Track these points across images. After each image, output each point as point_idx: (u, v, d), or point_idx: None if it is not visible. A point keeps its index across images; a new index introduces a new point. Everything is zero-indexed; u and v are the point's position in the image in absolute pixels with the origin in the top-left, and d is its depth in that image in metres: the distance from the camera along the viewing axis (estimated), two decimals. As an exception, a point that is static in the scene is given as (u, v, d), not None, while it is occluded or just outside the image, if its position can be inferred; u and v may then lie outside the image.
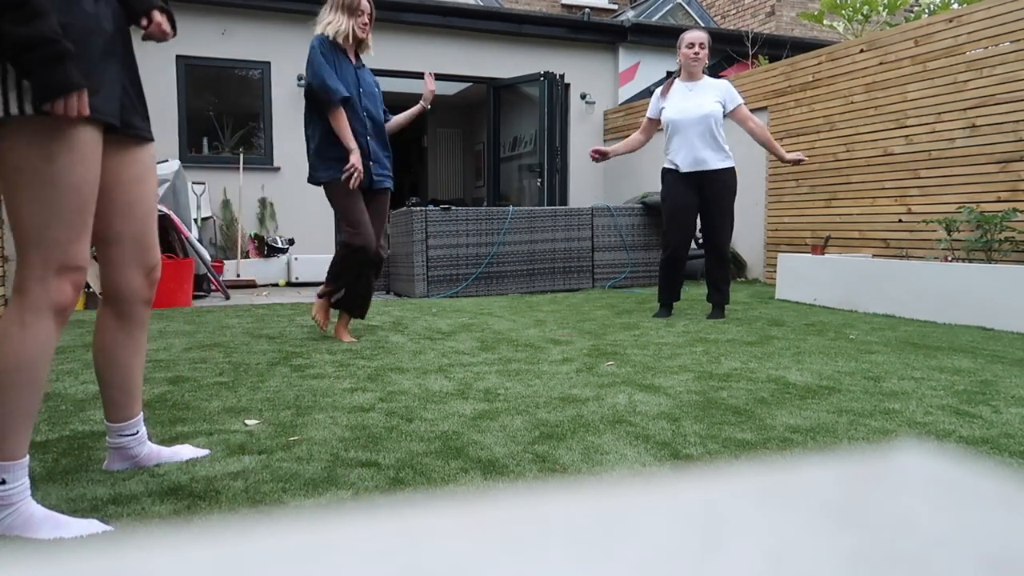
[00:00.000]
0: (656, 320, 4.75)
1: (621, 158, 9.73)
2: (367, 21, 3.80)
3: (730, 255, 4.76)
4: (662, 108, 4.75)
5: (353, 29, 3.75)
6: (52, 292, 1.56)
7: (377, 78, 4.03)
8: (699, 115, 4.56)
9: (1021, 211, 4.78)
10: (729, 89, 4.69)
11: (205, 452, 2.07)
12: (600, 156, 4.77)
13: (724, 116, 4.65)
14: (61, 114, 1.49)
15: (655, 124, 4.85)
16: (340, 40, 3.75)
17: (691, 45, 4.62)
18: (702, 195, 4.68)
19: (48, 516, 1.57)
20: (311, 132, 3.84)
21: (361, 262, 3.82)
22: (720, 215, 4.67)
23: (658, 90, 4.89)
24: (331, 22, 3.75)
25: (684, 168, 4.63)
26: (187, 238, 6.29)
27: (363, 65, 3.93)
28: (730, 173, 4.69)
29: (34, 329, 1.55)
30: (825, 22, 7.76)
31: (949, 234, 5.01)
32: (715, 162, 4.61)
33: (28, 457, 1.59)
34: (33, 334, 1.55)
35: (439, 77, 9.52)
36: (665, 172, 4.75)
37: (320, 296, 4.06)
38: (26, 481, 1.57)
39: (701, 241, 7.90)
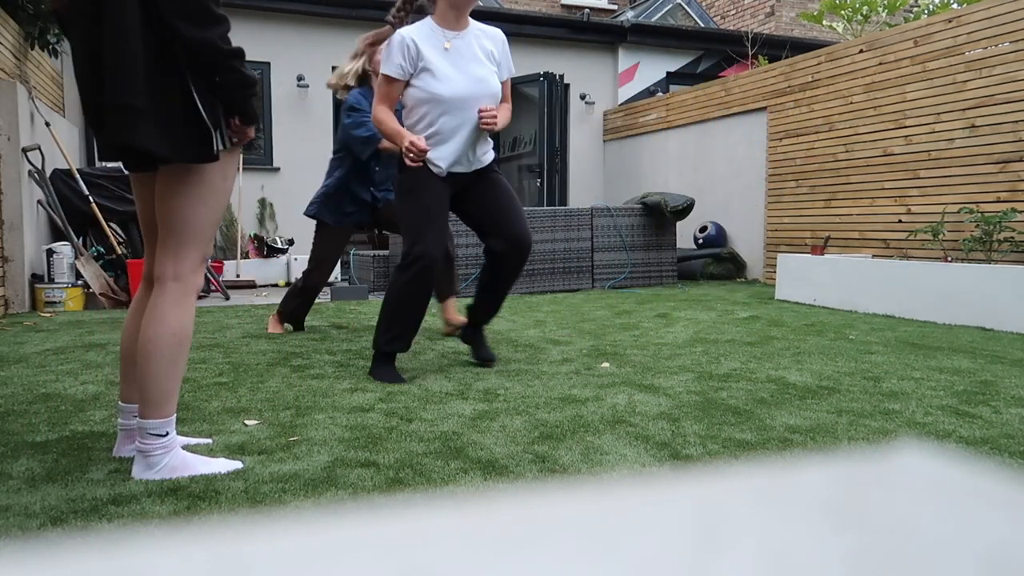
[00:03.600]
0: (656, 320, 4.75)
1: (620, 159, 9.75)
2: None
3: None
4: None
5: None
6: (199, 278, 1.98)
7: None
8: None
9: (1020, 211, 4.78)
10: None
11: (207, 440, 2.22)
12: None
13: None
14: (247, 140, 1.97)
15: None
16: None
17: None
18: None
19: (195, 457, 1.98)
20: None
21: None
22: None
23: None
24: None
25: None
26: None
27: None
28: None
29: (191, 307, 1.95)
30: (825, 22, 7.76)
31: (936, 237, 5.01)
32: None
33: None
34: (191, 310, 1.95)
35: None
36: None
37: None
38: (175, 430, 1.97)
39: (701, 241, 7.93)
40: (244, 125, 1.95)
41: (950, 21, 5.41)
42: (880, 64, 5.97)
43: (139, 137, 1.81)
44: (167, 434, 1.93)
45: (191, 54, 1.82)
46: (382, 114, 2.97)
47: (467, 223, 3.18)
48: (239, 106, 1.92)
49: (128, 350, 2.09)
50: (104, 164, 7.41)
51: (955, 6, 7.12)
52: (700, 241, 7.95)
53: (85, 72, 1.86)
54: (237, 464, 2.01)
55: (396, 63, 2.92)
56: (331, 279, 8.05)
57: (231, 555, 0.20)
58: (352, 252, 8.04)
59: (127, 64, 1.78)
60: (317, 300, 6.41)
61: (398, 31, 2.98)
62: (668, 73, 10.14)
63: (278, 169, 8.50)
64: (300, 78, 8.49)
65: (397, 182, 3.07)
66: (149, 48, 1.80)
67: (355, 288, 6.91)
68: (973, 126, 5.22)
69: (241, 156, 8.23)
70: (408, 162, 2.87)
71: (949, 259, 5.00)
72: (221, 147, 1.91)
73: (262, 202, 8.43)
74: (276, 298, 6.66)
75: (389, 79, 2.95)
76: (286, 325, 4.33)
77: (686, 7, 12.52)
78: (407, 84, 2.97)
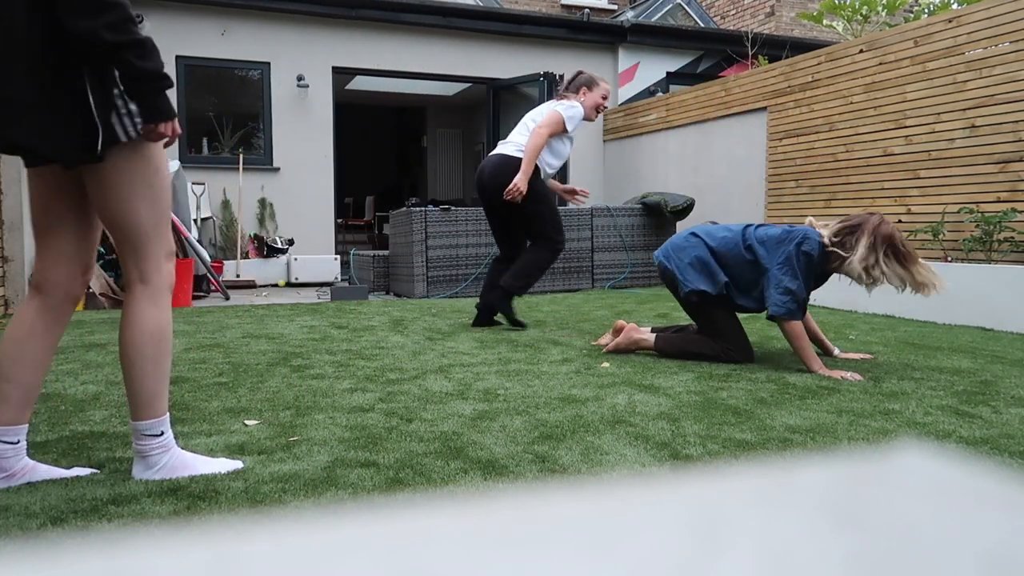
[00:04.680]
0: (656, 320, 4.74)
1: (620, 159, 9.75)
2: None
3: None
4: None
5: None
6: (166, 274, 1.92)
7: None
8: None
9: (1020, 211, 4.78)
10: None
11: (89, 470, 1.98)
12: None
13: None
14: (168, 135, 1.84)
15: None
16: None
17: (605, 97, 4.49)
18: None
19: (195, 456, 1.98)
20: None
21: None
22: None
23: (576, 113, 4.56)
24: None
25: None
26: (186, 238, 6.29)
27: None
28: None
29: (165, 306, 1.91)
30: (824, 22, 7.76)
31: (936, 237, 5.01)
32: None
33: None
34: (165, 310, 1.91)
35: (439, 77, 9.53)
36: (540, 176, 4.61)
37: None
38: (171, 430, 1.97)
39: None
40: (147, 122, 1.80)
41: (950, 21, 5.41)
42: (880, 64, 5.97)
43: (20, 132, 1.73)
44: (162, 433, 1.92)
45: (86, 45, 1.69)
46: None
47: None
48: (141, 101, 1.78)
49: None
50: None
51: (955, 6, 7.12)
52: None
53: None
54: (237, 464, 1.99)
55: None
56: (333, 279, 8.06)
57: (231, 555, 0.20)
58: (352, 252, 8.04)
59: (6, 53, 1.69)
60: (316, 300, 6.42)
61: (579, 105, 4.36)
62: (668, 73, 10.14)
63: (278, 169, 8.50)
64: (300, 78, 8.49)
65: (531, 191, 4.17)
66: (35, 38, 1.70)
67: (355, 288, 6.91)
68: (973, 126, 5.22)
69: (241, 156, 8.27)
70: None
71: (949, 259, 5.00)
72: (126, 137, 1.78)
73: (262, 202, 8.43)
74: (276, 298, 6.65)
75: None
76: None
77: (686, 7, 12.52)
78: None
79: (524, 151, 4.20)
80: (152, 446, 1.90)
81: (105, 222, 1.89)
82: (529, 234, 4.43)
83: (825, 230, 3.27)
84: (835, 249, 3.18)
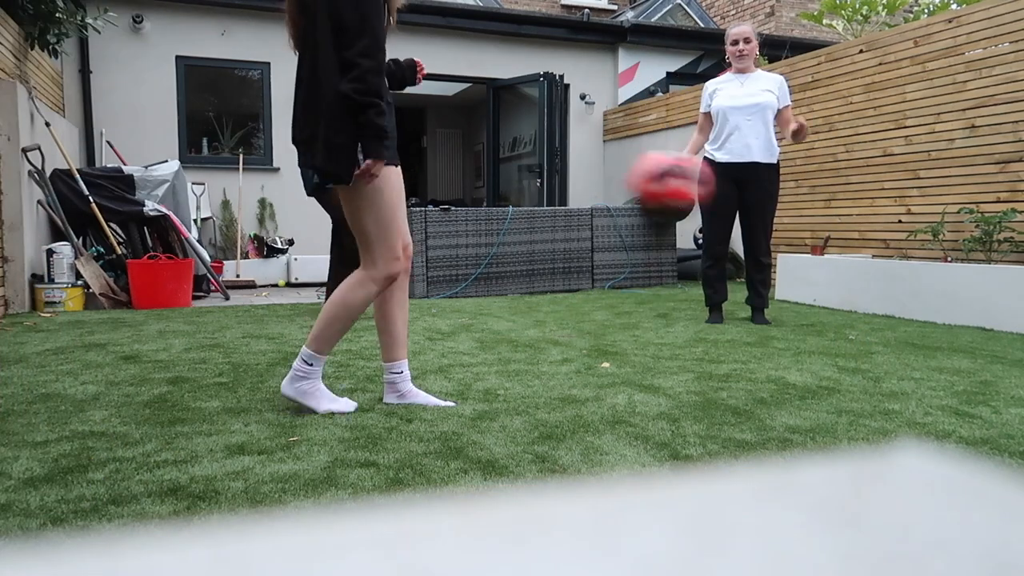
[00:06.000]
0: (655, 321, 4.74)
1: (620, 159, 9.75)
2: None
3: (769, 260, 4.61)
4: (711, 101, 4.58)
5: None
6: (386, 272, 2.49)
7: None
8: (751, 103, 4.38)
9: (1020, 211, 4.78)
10: (783, 85, 4.49)
11: (451, 404, 2.66)
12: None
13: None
14: (373, 171, 2.39)
15: (709, 118, 4.62)
16: None
17: (735, 42, 4.48)
18: (741, 191, 4.49)
19: (325, 393, 2.55)
20: None
21: None
22: (758, 216, 4.49)
23: (707, 83, 4.70)
24: None
25: (725, 159, 4.46)
26: (186, 239, 6.29)
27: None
28: (773, 171, 4.48)
29: (368, 291, 2.49)
30: (824, 22, 7.76)
31: (935, 237, 5.02)
32: (760, 155, 4.41)
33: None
34: (368, 294, 2.49)
35: (439, 77, 9.52)
36: (704, 164, 4.54)
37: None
38: (322, 369, 2.56)
39: (700, 241, 7.93)
40: (374, 159, 2.39)
41: (950, 21, 5.41)
42: (880, 64, 5.97)
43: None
44: (313, 365, 2.51)
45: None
46: None
47: None
48: (368, 144, 2.37)
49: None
50: (105, 164, 7.43)
51: (955, 6, 7.12)
52: (700, 241, 7.95)
53: None
54: (353, 405, 2.56)
55: None
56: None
57: (231, 555, 0.20)
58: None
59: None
60: (316, 300, 6.42)
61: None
62: (668, 73, 10.14)
63: (278, 169, 8.50)
64: (300, 78, 8.48)
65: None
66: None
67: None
68: (973, 126, 5.22)
69: (241, 156, 8.27)
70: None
71: (949, 259, 5.00)
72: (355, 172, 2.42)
73: (262, 202, 8.43)
74: (276, 298, 6.65)
75: None
76: None
77: (686, 7, 12.52)
78: None
79: None
80: (303, 370, 2.52)
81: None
82: None
83: None
84: None
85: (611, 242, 7.03)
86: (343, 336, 2.57)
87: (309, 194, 2.79)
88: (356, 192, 2.43)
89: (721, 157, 4.48)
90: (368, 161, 2.35)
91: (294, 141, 2.50)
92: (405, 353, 2.70)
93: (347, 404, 2.56)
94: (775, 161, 4.45)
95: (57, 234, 5.82)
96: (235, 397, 2.75)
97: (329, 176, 2.41)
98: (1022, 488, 0.25)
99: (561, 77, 9.20)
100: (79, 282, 5.52)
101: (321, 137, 2.35)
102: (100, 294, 5.56)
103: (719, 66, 10.13)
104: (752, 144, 4.41)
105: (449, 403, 2.67)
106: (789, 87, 4.64)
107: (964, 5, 6.34)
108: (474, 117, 12.68)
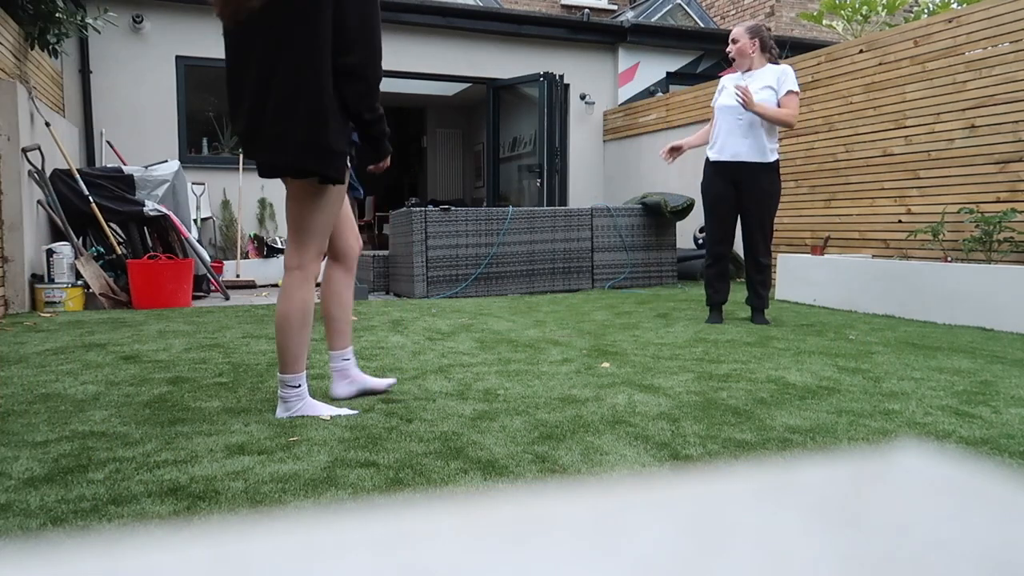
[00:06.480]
0: (655, 321, 4.74)
1: (620, 159, 9.75)
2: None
3: (769, 261, 4.59)
4: (717, 97, 4.58)
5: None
6: (317, 267, 2.56)
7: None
8: (738, 103, 4.33)
9: (1020, 211, 4.78)
10: (784, 74, 4.40)
11: (392, 380, 2.85)
12: (676, 153, 4.66)
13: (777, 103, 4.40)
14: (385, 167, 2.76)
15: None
16: None
17: (727, 43, 4.53)
18: (739, 191, 4.46)
19: (322, 404, 2.56)
20: None
21: None
22: (755, 216, 4.46)
23: (722, 78, 4.68)
24: None
25: (717, 157, 4.46)
26: (186, 238, 6.29)
27: None
28: (769, 171, 4.42)
29: (311, 288, 2.53)
30: (824, 22, 7.76)
31: (935, 237, 5.02)
32: (750, 155, 4.38)
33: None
34: (311, 291, 2.53)
35: (439, 77, 9.52)
36: (705, 163, 4.57)
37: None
38: (306, 385, 2.54)
39: (701, 241, 7.93)
40: (378, 162, 2.76)
41: (950, 21, 5.41)
42: (880, 64, 5.97)
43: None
44: (299, 385, 2.49)
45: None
46: None
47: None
48: (375, 150, 2.66)
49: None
50: (105, 164, 7.42)
51: (955, 6, 7.12)
52: (700, 241, 7.95)
53: None
54: (350, 411, 2.52)
55: None
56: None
57: (231, 555, 0.20)
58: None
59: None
60: (316, 300, 6.41)
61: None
62: (668, 73, 10.14)
63: (278, 169, 8.49)
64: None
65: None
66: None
67: (355, 288, 6.89)
68: (973, 126, 5.22)
69: (241, 156, 8.26)
70: None
71: (949, 259, 5.00)
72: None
73: (262, 202, 8.43)
74: (276, 298, 6.65)
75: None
76: None
77: (686, 7, 12.52)
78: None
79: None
80: (291, 394, 2.48)
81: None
82: None
83: None
84: None
85: (611, 242, 7.03)
86: (309, 343, 2.56)
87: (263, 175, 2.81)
88: (321, 192, 2.48)
89: (714, 156, 4.50)
90: (384, 162, 2.69)
91: (252, 134, 2.54)
92: (351, 340, 2.81)
93: (347, 411, 2.55)
94: (769, 161, 4.41)
95: (57, 234, 5.82)
96: (235, 397, 2.75)
97: (321, 177, 2.43)
98: (1022, 488, 0.25)
99: (561, 77, 9.20)
100: (79, 282, 5.52)
101: (307, 138, 2.37)
102: (100, 294, 5.56)
103: (719, 66, 10.14)
104: (740, 144, 4.40)
105: (390, 380, 2.85)
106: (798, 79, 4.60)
107: (964, 5, 6.35)
108: (474, 117, 12.68)
